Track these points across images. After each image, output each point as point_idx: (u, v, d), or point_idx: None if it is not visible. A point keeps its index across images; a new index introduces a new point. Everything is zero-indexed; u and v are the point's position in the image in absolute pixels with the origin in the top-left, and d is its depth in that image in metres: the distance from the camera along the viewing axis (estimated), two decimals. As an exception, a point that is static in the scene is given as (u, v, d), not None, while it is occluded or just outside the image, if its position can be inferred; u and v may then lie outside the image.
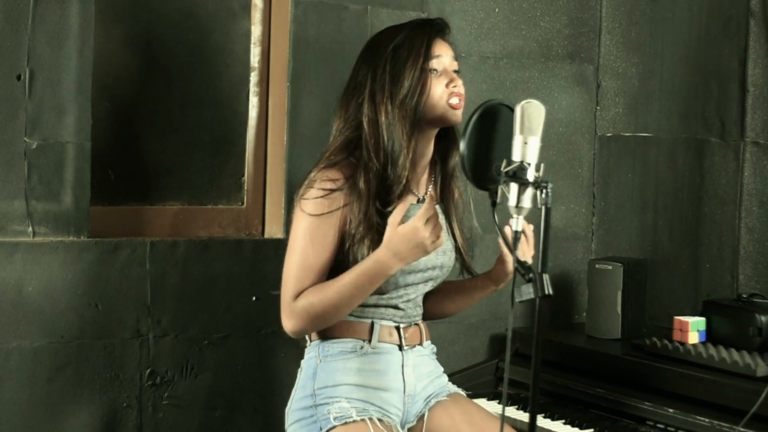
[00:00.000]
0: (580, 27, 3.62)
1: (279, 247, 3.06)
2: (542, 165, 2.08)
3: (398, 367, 2.50)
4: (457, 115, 2.46)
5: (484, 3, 3.45)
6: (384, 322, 2.49)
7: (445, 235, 2.43)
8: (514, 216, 2.08)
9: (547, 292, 2.05)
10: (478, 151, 2.27)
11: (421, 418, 2.55)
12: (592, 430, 2.82)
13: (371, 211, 2.39)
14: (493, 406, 3.03)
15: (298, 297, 2.37)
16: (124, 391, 2.92)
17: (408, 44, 2.44)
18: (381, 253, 2.32)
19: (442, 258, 2.53)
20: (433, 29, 2.48)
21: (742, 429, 2.55)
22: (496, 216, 2.18)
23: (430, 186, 2.57)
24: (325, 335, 2.48)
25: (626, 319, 3.26)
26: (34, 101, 2.78)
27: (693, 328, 2.98)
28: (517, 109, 2.08)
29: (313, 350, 2.50)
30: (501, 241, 2.34)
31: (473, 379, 3.22)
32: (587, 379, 3.02)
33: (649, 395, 2.84)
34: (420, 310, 2.59)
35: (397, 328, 2.51)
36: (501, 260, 2.56)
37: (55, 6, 2.80)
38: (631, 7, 3.58)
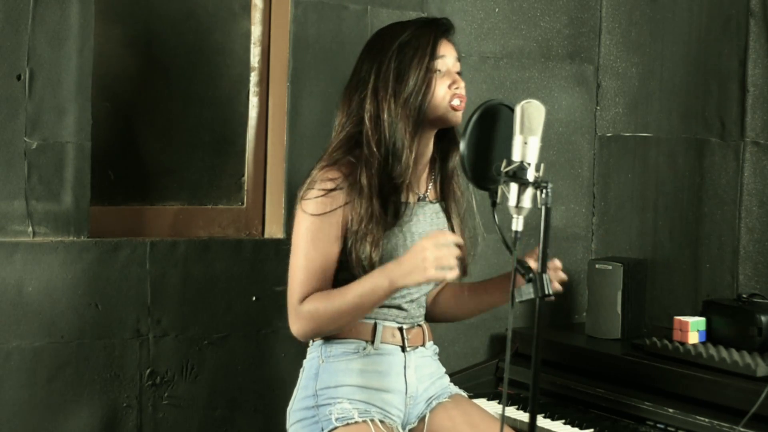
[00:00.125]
0: (580, 27, 3.62)
1: (279, 247, 3.06)
2: (542, 165, 2.09)
3: (400, 369, 2.50)
4: (458, 117, 2.45)
5: (484, 3, 3.45)
6: (387, 323, 2.49)
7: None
8: (514, 216, 2.08)
9: (547, 292, 2.05)
10: (478, 151, 2.27)
11: (422, 419, 2.55)
12: (592, 430, 2.82)
13: (373, 208, 2.38)
14: (493, 406, 3.03)
15: (304, 300, 2.37)
16: (124, 391, 2.92)
17: (414, 43, 2.43)
18: (389, 264, 2.30)
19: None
20: (440, 29, 2.47)
21: (742, 429, 2.55)
22: (496, 216, 2.18)
23: (431, 185, 2.57)
24: (328, 335, 2.47)
25: (626, 319, 3.26)
26: (34, 101, 2.79)
27: (693, 328, 2.98)
28: (517, 109, 2.08)
29: (316, 350, 2.50)
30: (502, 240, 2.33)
31: (473, 379, 3.22)
32: (587, 379, 3.02)
33: (649, 395, 2.84)
34: (423, 311, 2.59)
35: (400, 329, 2.51)
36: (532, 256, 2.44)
37: (55, 6, 2.80)
38: (631, 7, 3.58)
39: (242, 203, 3.24)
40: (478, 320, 3.43)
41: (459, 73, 2.48)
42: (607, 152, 3.64)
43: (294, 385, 2.54)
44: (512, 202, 2.08)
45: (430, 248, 2.23)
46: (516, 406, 3.01)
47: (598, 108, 3.66)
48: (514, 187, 2.07)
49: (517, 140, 2.07)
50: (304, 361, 2.53)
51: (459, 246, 2.28)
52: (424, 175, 2.55)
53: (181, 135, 3.16)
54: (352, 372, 2.45)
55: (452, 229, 2.58)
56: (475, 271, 3.26)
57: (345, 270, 2.40)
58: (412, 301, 2.52)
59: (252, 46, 3.23)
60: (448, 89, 2.44)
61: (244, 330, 3.09)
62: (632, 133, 3.59)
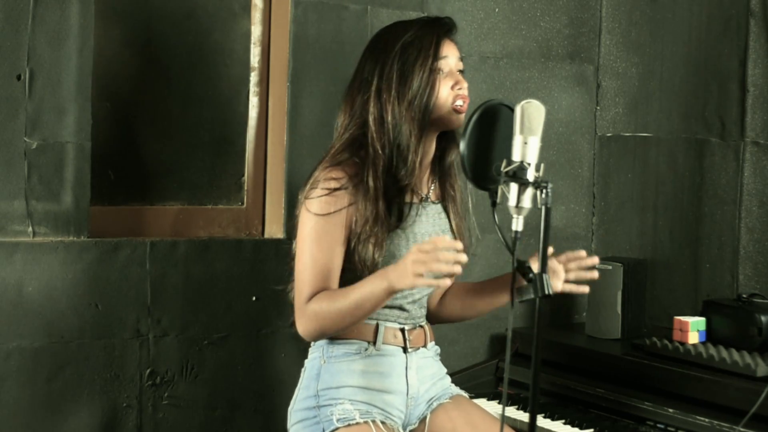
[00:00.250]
0: (580, 27, 3.62)
1: (279, 247, 3.06)
2: (542, 165, 2.09)
3: (402, 370, 2.50)
4: (460, 120, 2.44)
5: (484, 3, 3.45)
6: (389, 324, 2.49)
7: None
8: (514, 216, 2.08)
9: (547, 292, 2.05)
10: (478, 151, 2.26)
11: (423, 420, 2.55)
12: (592, 430, 2.82)
13: (378, 210, 2.38)
14: (493, 406, 3.02)
15: (310, 300, 2.36)
16: (124, 391, 2.92)
17: (417, 43, 2.42)
18: (389, 267, 2.29)
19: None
20: (442, 29, 2.46)
21: (742, 429, 2.55)
22: (496, 216, 2.18)
23: (432, 185, 2.56)
24: (331, 336, 2.47)
25: (626, 319, 3.26)
26: (34, 101, 2.78)
27: (693, 328, 2.98)
28: (517, 109, 2.08)
29: (318, 351, 2.49)
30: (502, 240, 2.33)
31: (473, 379, 3.21)
32: (587, 379, 3.02)
33: (649, 395, 2.84)
34: (424, 311, 2.58)
35: (402, 330, 2.50)
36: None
37: (55, 6, 2.80)
38: (631, 7, 3.58)
39: (242, 203, 3.24)
40: (478, 320, 3.43)
41: (462, 72, 2.48)
42: (607, 152, 3.64)
43: (294, 385, 2.54)
44: (512, 202, 2.08)
45: (414, 253, 2.21)
46: (516, 406, 3.01)
47: (598, 108, 3.66)
48: (514, 187, 2.07)
49: (517, 140, 2.07)
50: (306, 361, 2.53)
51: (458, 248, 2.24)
52: (426, 176, 2.55)
53: (181, 135, 3.15)
54: (354, 373, 2.45)
55: (451, 230, 2.58)
56: (475, 271, 3.27)
57: (349, 271, 2.40)
58: (413, 302, 2.51)
59: (252, 46, 3.23)
60: (451, 90, 2.43)
61: (244, 330, 3.09)
62: (632, 133, 3.59)
